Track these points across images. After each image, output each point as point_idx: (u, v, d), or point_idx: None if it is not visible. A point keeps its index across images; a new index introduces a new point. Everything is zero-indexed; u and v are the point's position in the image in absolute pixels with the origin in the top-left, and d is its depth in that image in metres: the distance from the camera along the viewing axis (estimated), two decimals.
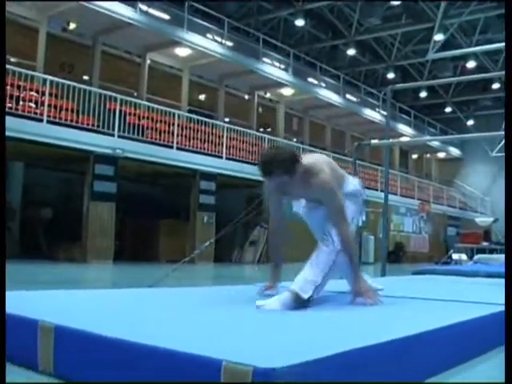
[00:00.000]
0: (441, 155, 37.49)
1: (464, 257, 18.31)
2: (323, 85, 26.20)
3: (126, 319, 2.64)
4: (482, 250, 20.39)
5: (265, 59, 22.99)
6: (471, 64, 25.79)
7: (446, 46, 21.83)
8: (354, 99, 28.57)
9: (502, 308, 3.38)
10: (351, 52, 26.20)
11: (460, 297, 4.00)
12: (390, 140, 11.14)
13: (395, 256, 24.78)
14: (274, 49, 24.14)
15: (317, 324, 2.75)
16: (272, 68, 23.22)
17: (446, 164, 37.66)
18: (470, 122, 34.63)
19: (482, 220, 26.16)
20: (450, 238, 29.48)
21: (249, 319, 2.85)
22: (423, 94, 31.72)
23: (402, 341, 2.32)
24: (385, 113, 29.28)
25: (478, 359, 2.86)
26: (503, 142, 31.73)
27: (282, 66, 23.97)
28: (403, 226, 27.63)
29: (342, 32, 25.48)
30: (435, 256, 25.29)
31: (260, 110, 25.17)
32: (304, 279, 3.24)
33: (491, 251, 19.45)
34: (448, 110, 34.42)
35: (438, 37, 21.20)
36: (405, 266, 18.42)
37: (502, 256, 11.77)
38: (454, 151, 36.73)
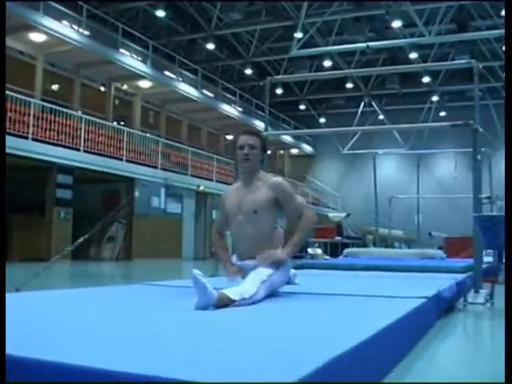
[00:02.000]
0: (294, 151, 38.38)
1: (319, 251, 18.76)
2: (181, 78, 25.93)
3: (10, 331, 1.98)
4: (335, 244, 21.12)
5: (123, 50, 22.31)
6: (327, 63, 26.55)
7: (303, 45, 22.29)
8: (211, 94, 28.51)
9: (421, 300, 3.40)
10: (210, 46, 26.08)
11: (368, 291, 3.93)
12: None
13: None
14: (133, 40, 23.52)
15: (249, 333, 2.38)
16: (130, 59, 22.59)
17: (299, 160, 38.59)
18: (323, 120, 35.75)
19: (335, 215, 27.12)
20: None
21: (161, 325, 2.41)
22: (279, 91, 32.16)
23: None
24: (240, 109, 29.78)
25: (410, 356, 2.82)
26: (354, 139, 33.14)
27: (140, 58, 23.39)
28: None
29: (202, 26, 25.33)
30: None
31: (116, 102, 24.52)
32: (236, 289, 3.18)
33: (344, 245, 20.15)
34: (302, 107, 35.29)
35: (298, 35, 21.64)
36: None
37: (369, 249, 12.22)
38: (307, 148, 37.75)
